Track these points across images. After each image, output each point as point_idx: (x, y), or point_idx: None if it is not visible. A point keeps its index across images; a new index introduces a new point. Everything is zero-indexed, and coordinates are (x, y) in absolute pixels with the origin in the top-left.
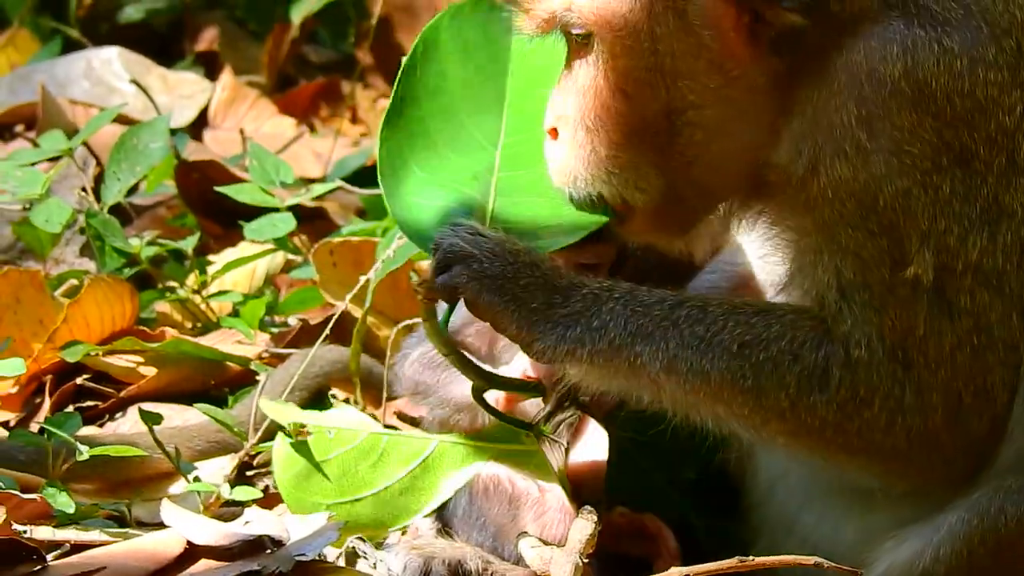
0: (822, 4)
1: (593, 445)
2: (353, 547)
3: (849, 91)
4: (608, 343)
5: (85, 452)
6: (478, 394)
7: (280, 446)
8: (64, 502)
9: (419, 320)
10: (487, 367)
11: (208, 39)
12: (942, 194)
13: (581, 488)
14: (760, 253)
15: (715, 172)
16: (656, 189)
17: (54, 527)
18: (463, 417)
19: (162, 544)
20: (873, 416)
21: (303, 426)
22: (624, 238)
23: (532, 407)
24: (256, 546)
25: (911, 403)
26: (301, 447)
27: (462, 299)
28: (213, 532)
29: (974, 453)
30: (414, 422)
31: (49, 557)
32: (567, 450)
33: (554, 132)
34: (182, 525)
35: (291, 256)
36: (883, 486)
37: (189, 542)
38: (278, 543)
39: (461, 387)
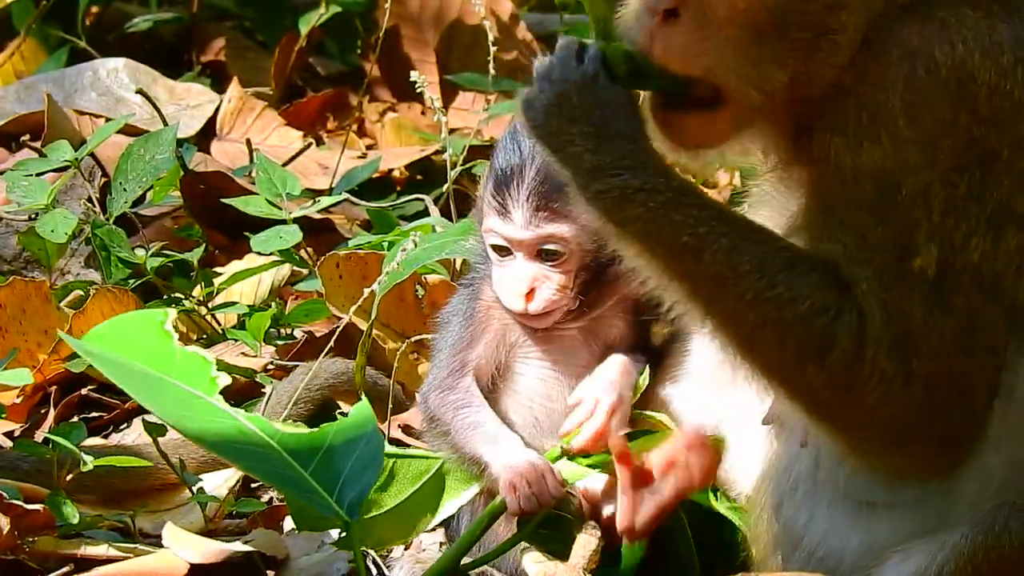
0: None
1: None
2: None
3: (899, 70)
4: (628, 242)
5: (90, 462)
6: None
7: None
8: (68, 512)
9: (429, 337)
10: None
11: (215, 50)
12: (958, 192)
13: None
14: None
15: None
16: (772, 86)
17: (58, 538)
18: (474, 470)
19: (165, 564)
20: (864, 395)
21: None
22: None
23: None
24: (251, 563)
25: (898, 392)
26: None
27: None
28: (208, 550)
29: (948, 453)
30: (419, 436)
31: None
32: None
33: (668, 13)
34: (178, 545)
35: (297, 268)
36: (860, 475)
37: (192, 564)
38: (271, 561)
39: (476, 445)
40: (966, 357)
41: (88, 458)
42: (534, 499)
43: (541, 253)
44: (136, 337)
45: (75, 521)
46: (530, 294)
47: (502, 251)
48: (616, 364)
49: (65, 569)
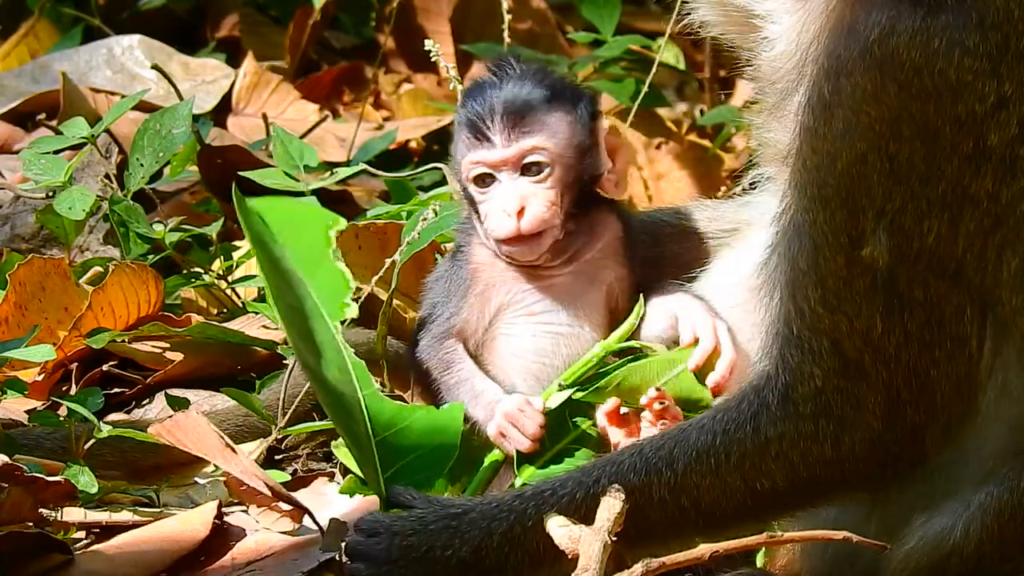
0: None
1: None
2: None
3: (821, 40)
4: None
5: (104, 429)
6: None
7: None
8: (87, 482)
9: None
10: None
11: (229, 25)
12: (898, 165)
13: None
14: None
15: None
16: None
17: (81, 507)
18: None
19: (188, 527)
20: (819, 451)
21: None
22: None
23: None
24: None
25: (850, 418)
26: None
27: None
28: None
29: (918, 444)
30: None
31: (78, 544)
32: None
33: None
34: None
35: None
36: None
37: (215, 525)
38: None
39: (477, 408)
40: (928, 351)
41: (103, 424)
42: (520, 435)
43: (525, 169)
44: (301, 226)
45: (94, 490)
46: (520, 212)
47: (485, 179)
48: (685, 298)
49: (86, 541)
